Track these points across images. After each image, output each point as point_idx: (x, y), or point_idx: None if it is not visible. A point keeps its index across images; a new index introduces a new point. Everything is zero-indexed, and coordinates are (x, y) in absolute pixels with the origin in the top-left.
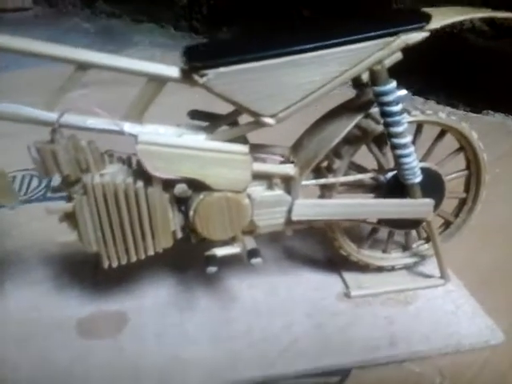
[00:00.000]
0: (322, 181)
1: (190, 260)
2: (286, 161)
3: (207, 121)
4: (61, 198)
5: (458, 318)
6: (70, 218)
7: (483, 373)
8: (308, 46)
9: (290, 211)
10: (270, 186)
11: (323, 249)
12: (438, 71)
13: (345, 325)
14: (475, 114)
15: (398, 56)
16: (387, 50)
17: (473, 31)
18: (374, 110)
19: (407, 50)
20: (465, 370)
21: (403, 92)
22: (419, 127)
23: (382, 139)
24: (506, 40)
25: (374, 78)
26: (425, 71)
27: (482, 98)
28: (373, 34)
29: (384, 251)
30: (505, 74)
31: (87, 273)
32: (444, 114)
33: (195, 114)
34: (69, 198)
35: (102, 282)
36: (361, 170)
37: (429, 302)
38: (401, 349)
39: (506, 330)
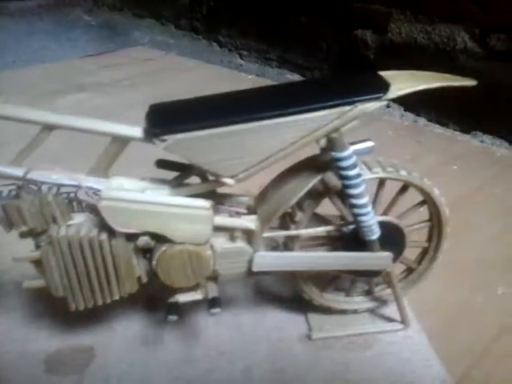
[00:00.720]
0: (283, 233)
1: (160, 296)
2: (252, 211)
3: (174, 170)
4: None
5: (413, 366)
6: (38, 264)
7: None
8: (266, 114)
9: (250, 262)
10: (232, 238)
11: (291, 285)
12: (430, 89)
13: (303, 370)
14: (464, 135)
15: (355, 124)
16: (344, 118)
17: (464, 51)
18: None
19: (401, 67)
20: None
21: (370, 144)
22: (382, 182)
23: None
24: (496, 62)
25: (331, 145)
26: None
27: (471, 118)
28: (330, 103)
29: (347, 295)
30: (494, 95)
31: (59, 303)
32: (405, 171)
33: (162, 164)
34: (36, 246)
35: (73, 314)
36: (323, 221)
37: (386, 348)
38: None
39: (459, 379)
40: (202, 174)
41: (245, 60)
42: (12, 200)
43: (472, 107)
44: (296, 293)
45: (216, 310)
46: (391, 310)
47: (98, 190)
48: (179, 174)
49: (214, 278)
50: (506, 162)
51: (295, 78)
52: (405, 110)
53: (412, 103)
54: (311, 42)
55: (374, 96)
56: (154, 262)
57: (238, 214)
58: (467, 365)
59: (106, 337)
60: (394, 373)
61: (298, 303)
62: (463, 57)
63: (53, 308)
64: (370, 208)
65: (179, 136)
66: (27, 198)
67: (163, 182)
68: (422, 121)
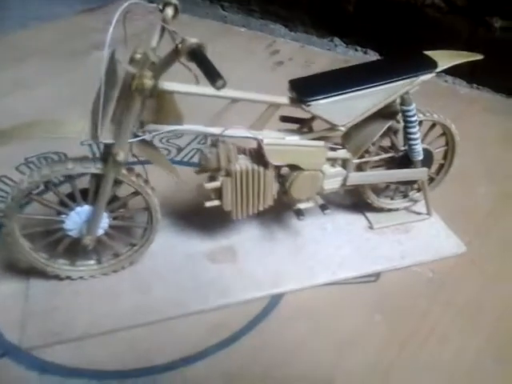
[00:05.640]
0: (363, 160)
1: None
2: (341, 146)
3: (293, 123)
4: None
5: (439, 238)
6: (215, 191)
7: (455, 268)
8: (367, 85)
9: (345, 180)
10: (333, 165)
11: (349, 196)
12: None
13: (373, 246)
14: None
15: (417, 88)
16: (412, 85)
17: (431, 6)
18: None
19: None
20: (445, 267)
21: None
22: (420, 122)
23: (398, 131)
24: (456, 15)
25: (403, 102)
26: None
27: None
28: (405, 76)
29: (392, 198)
30: (452, 41)
31: (200, 219)
32: (436, 115)
33: (285, 119)
34: (211, 178)
35: (211, 225)
36: (383, 150)
37: (420, 230)
38: (407, 259)
39: (466, 244)
40: (311, 126)
41: (227, 11)
42: (212, 147)
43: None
44: (354, 201)
45: (328, 211)
46: (419, 207)
47: (261, 140)
48: (299, 125)
49: (319, 192)
50: (468, 99)
51: (277, 27)
52: (380, 55)
53: (387, 49)
54: None
55: (429, 70)
56: (287, 184)
57: (335, 149)
58: (470, 234)
59: (238, 239)
60: (429, 244)
61: (357, 207)
62: (430, 10)
63: (198, 222)
64: (420, 140)
65: (320, 102)
66: (222, 146)
67: (292, 131)
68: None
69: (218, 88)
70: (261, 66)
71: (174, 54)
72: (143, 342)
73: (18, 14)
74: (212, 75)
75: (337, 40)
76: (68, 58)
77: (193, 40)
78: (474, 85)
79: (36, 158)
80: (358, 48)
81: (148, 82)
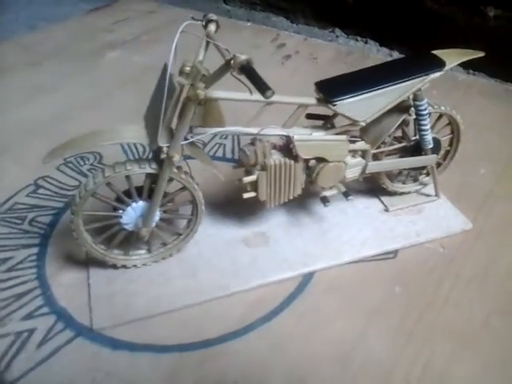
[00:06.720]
0: (380, 150)
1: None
2: (359, 139)
3: (318, 119)
4: None
5: (447, 217)
6: (251, 183)
7: (463, 243)
8: (385, 85)
9: (364, 168)
10: (354, 156)
11: (365, 183)
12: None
13: (390, 227)
14: None
15: (428, 85)
16: (423, 83)
17: None
18: None
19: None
20: (454, 242)
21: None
22: (429, 115)
23: (409, 123)
24: (453, 6)
25: (415, 97)
26: None
27: (431, 48)
28: (417, 75)
29: (404, 183)
30: (449, 30)
31: (234, 208)
32: (443, 107)
33: (310, 116)
34: (247, 173)
35: (245, 212)
36: (396, 140)
37: (430, 210)
38: (422, 237)
39: (472, 221)
40: (333, 122)
41: (230, 6)
42: (250, 146)
43: (432, 39)
44: (369, 186)
45: (350, 197)
46: (428, 190)
47: (293, 136)
48: (323, 122)
49: (342, 180)
50: (466, 84)
51: (279, 20)
52: (380, 46)
53: (387, 39)
54: None
55: (438, 69)
56: (314, 174)
57: (354, 142)
58: (474, 212)
59: (268, 225)
60: (439, 222)
61: (372, 192)
62: (427, 1)
63: (228, 213)
64: (430, 130)
65: (344, 101)
66: (258, 144)
67: (317, 127)
68: (396, 54)
69: (268, 97)
70: (270, 60)
71: (226, 68)
72: (195, 320)
73: (25, 15)
74: (261, 87)
75: (338, 31)
76: (82, 59)
77: (243, 56)
78: (470, 71)
79: (74, 158)
80: (359, 38)
81: (201, 93)
